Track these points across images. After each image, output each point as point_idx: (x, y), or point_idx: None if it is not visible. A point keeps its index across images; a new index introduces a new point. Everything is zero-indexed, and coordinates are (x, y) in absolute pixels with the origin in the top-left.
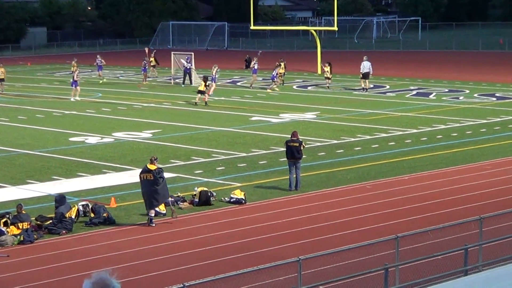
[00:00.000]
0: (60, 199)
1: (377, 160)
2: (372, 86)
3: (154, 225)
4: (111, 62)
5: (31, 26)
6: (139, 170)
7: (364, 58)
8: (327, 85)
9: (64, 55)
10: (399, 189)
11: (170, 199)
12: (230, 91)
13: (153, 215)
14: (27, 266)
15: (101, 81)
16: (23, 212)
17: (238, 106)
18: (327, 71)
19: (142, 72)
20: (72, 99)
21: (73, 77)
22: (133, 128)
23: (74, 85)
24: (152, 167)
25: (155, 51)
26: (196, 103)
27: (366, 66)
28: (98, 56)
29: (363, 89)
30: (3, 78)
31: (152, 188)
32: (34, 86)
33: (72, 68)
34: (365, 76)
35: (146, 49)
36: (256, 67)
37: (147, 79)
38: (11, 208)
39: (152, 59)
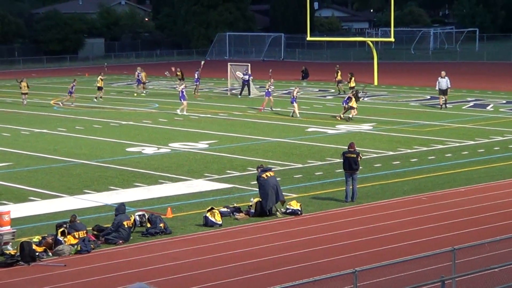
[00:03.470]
0: (120, 207)
1: (433, 171)
2: (429, 97)
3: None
4: None
5: (89, 37)
6: (196, 181)
7: (443, 74)
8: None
9: (121, 65)
10: (456, 201)
11: (227, 209)
12: (286, 102)
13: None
14: (83, 276)
15: (135, 94)
16: (78, 221)
17: (295, 117)
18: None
19: (195, 83)
20: (179, 112)
21: (181, 90)
22: (189, 139)
23: (182, 99)
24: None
25: (204, 61)
26: (351, 117)
27: (445, 82)
28: (138, 68)
29: (443, 105)
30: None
31: (274, 186)
32: (92, 97)
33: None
34: (445, 92)
35: (173, 68)
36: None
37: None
38: (69, 218)
39: (179, 73)
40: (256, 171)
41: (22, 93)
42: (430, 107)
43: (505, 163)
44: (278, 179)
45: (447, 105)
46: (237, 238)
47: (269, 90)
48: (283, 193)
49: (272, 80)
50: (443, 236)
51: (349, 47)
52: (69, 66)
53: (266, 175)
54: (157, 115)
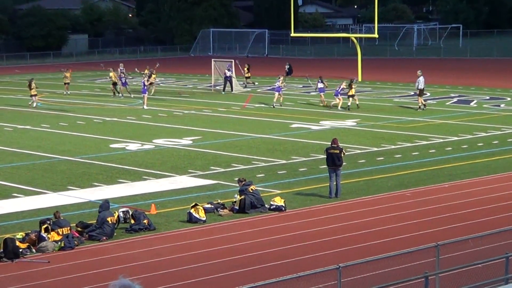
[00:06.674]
0: (103, 204)
1: (417, 167)
2: (412, 93)
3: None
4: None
5: (72, 33)
6: (180, 177)
7: (419, 73)
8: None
9: (105, 62)
10: (439, 197)
11: (211, 206)
12: (270, 98)
13: None
14: (67, 272)
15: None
16: (61, 218)
17: (279, 113)
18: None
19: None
20: (145, 107)
21: (144, 83)
22: (173, 135)
23: (144, 92)
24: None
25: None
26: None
27: (421, 81)
28: (120, 64)
29: (423, 106)
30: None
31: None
32: (75, 93)
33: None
34: (420, 93)
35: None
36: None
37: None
38: (52, 215)
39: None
40: (237, 185)
41: (32, 95)
42: (413, 103)
43: (489, 159)
44: (262, 175)
45: (422, 107)
46: (221, 234)
47: (279, 86)
48: (268, 189)
49: (282, 77)
50: (427, 232)
51: (333, 43)
52: (52, 62)
53: (252, 189)
54: (141, 111)
